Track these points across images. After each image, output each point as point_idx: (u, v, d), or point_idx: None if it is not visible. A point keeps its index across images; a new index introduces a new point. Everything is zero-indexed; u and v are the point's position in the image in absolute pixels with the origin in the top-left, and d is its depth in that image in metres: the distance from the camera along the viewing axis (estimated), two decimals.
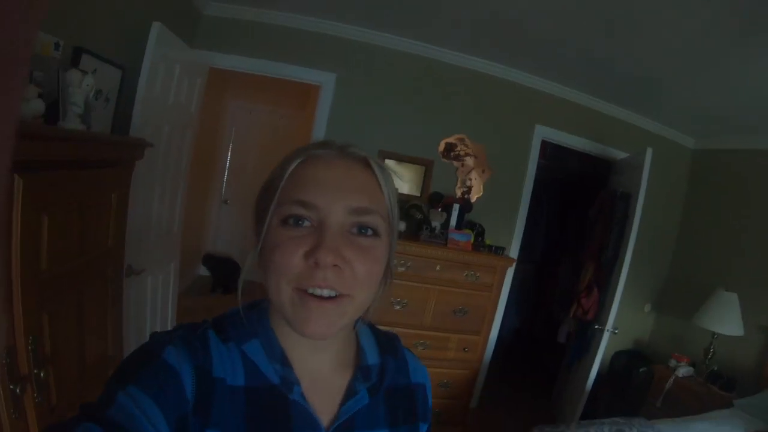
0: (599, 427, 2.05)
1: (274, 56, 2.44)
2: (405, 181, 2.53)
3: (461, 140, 2.52)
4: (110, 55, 1.74)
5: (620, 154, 2.89)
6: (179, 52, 2.13)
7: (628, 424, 2.09)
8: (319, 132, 2.51)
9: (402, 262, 2.21)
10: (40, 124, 1.00)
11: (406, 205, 2.36)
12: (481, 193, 2.54)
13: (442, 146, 2.53)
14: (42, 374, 0.95)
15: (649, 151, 2.43)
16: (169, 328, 0.68)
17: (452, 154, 2.52)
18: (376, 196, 0.47)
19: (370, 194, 0.46)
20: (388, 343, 0.59)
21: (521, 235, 2.65)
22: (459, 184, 2.54)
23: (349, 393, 0.50)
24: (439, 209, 2.33)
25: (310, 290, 0.43)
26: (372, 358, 0.55)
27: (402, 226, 2.25)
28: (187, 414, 0.42)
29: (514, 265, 2.45)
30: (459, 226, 2.36)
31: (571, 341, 2.90)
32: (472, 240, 2.30)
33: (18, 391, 0.88)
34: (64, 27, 1.44)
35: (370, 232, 0.46)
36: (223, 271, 4.13)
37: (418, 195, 2.51)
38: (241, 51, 2.43)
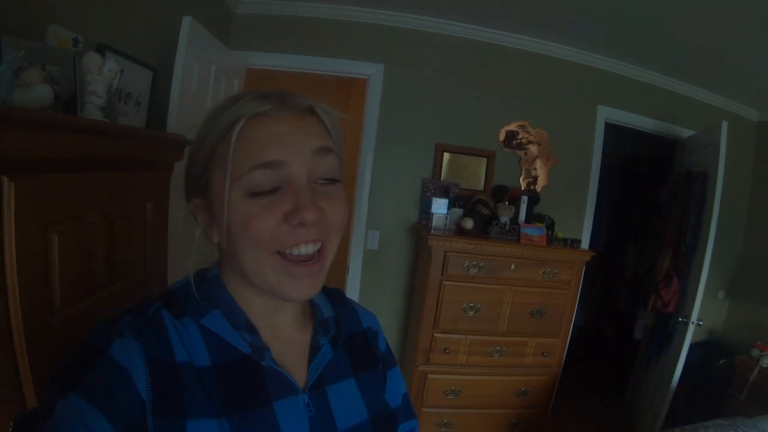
0: None
1: (315, 51, 2.42)
2: (466, 174, 2.49)
3: (522, 127, 2.48)
4: (139, 56, 1.67)
5: (685, 132, 2.80)
6: (213, 51, 2.11)
7: (732, 425, 2.01)
8: (370, 128, 2.45)
9: (474, 263, 2.17)
10: (40, 111, 0.79)
11: (470, 200, 2.28)
12: (546, 183, 2.50)
13: (502, 135, 2.49)
14: None
15: (725, 125, 2.36)
16: None
17: (514, 142, 2.49)
18: (328, 138, 0.49)
19: (322, 136, 0.48)
20: (335, 295, 0.63)
21: (591, 226, 2.57)
22: (523, 175, 2.50)
23: (314, 349, 0.53)
24: (506, 203, 2.26)
25: (293, 251, 0.45)
26: (326, 311, 0.58)
27: (469, 223, 2.19)
28: (143, 417, 0.39)
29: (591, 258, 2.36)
30: (528, 219, 2.32)
31: (647, 336, 2.81)
32: (545, 234, 2.22)
33: None
34: (84, 23, 1.33)
35: (332, 179, 0.48)
36: None
37: (482, 189, 2.47)
38: (279, 48, 2.41)
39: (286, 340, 0.53)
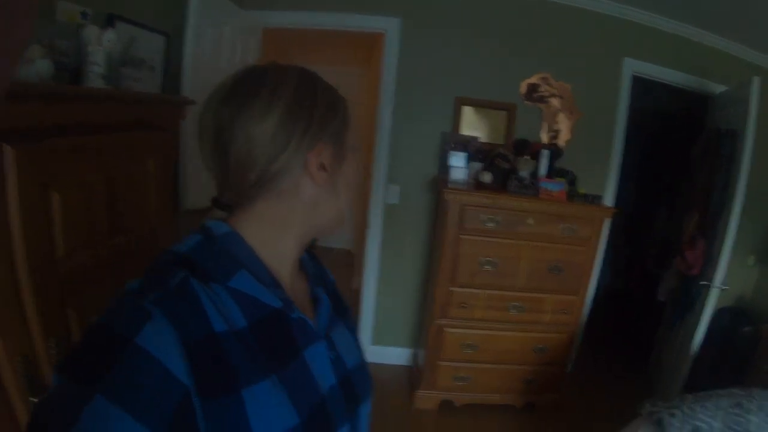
0: (716, 401, 1.98)
1: (330, 6, 2.43)
2: (486, 128, 2.50)
3: (544, 80, 2.47)
4: (150, 22, 1.73)
5: (718, 88, 2.72)
6: (226, 13, 2.14)
7: (747, 396, 2.02)
8: (388, 85, 2.47)
9: (490, 217, 2.19)
10: (32, 83, 0.87)
11: (490, 154, 2.29)
12: (569, 137, 2.49)
13: (524, 88, 2.49)
14: None
15: (756, 81, 2.28)
16: None
17: (535, 95, 2.48)
18: None
19: None
20: (312, 252, 0.69)
21: (616, 183, 2.56)
22: (545, 129, 2.49)
23: (315, 299, 0.58)
24: (527, 157, 2.27)
25: None
26: (310, 266, 0.63)
27: (487, 177, 2.21)
28: (188, 402, 0.38)
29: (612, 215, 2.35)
30: (549, 174, 2.33)
31: (672, 299, 2.80)
32: (565, 189, 2.23)
33: None
34: None
35: None
36: None
37: (501, 143, 2.48)
38: (294, 6, 2.43)
39: (298, 291, 0.57)
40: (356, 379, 0.58)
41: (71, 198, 0.93)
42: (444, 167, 2.41)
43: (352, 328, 0.66)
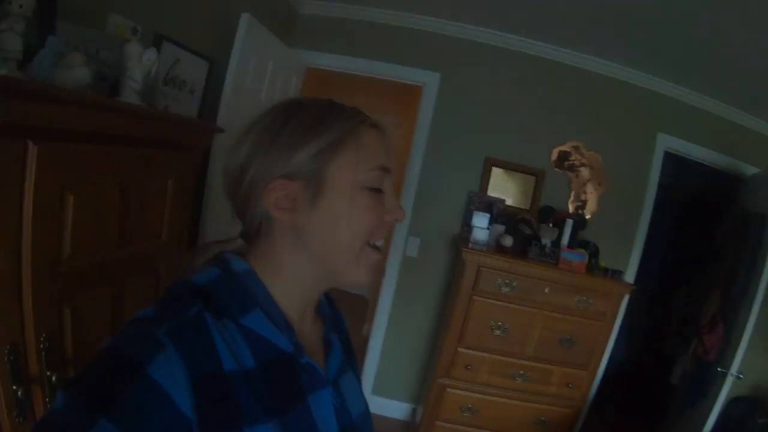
0: None
1: (375, 55, 2.53)
2: (513, 191, 2.51)
3: (576, 148, 2.48)
4: (196, 46, 1.79)
5: (750, 169, 2.69)
6: (271, 48, 2.20)
7: None
8: (422, 135, 2.54)
9: (507, 281, 2.17)
10: (64, 88, 0.91)
11: (514, 218, 2.29)
12: (596, 209, 2.47)
13: (555, 155, 2.51)
14: (54, 378, 0.86)
15: None
16: None
17: (566, 163, 2.48)
18: None
19: None
20: (330, 297, 0.69)
21: (639, 259, 2.52)
22: (572, 198, 2.51)
23: (326, 344, 0.58)
24: (551, 224, 2.27)
25: (376, 243, 0.53)
26: (326, 311, 0.63)
27: (508, 241, 2.20)
28: None
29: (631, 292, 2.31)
30: (571, 244, 2.31)
31: (685, 383, 2.72)
32: (586, 261, 2.21)
33: (20, 394, 0.80)
34: (145, 13, 1.46)
35: None
36: None
37: (527, 208, 2.48)
38: (340, 50, 2.54)
39: (309, 335, 0.56)
40: (360, 429, 0.57)
41: (86, 202, 0.97)
42: (466, 226, 2.42)
43: (359, 377, 0.66)
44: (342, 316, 0.70)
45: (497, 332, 2.22)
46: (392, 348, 2.75)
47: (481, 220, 2.24)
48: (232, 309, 0.47)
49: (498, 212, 2.39)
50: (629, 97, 2.53)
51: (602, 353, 2.38)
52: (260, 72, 2.17)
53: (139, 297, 1.23)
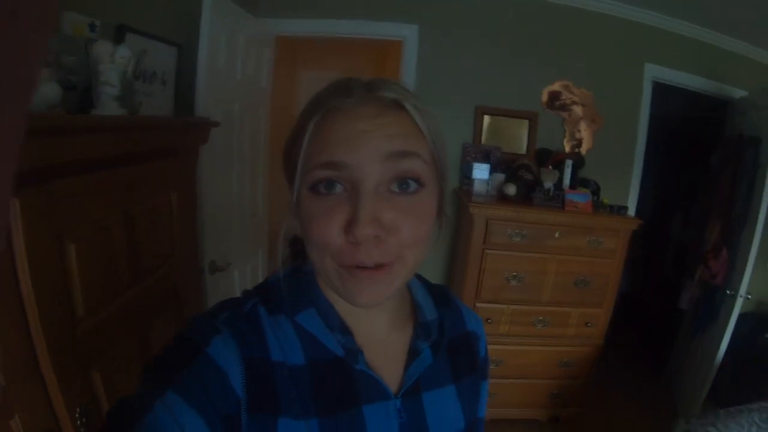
0: (748, 416, 2.01)
1: (346, 14, 2.45)
2: (508, 138, 2.51)
3: (566, 87, 2.51)
4: (162, 33, 1.71)
5: (738, 93, 2.76)
6: (240, 21, 2.13)
7: None
8: None
9: (516, 231, 2.21)
10: (39, 114, 0.76)
11: (513, 165, 2.30)
12: (591, 146, 2.52)
13: (545, 96, 2.52)
14: None
15: None
16: None
17: (557, 103, 2.51)
18: (415, 138, 0.45)
19: (406, 136, 0.44)
20: (441, 295, 0.62)
21: (638, 192, 2.58)
22: (568, 137, 2.53)
23: (412, 354, 0.53)
24: (550, 167, 2.29)
25: (348, 263, 0.44)
26: (430, 313, 0.57)
27: (512, 189, 2.22)
28: (239, 414, 0.42)
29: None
30: (573, 185, 2.36)
31: (694, 308, 2.83)
32: (591, 200, 2.23)
33: None
34: (101, 6, 1.36)
35: (412, 186, 0.44)
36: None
37: (524, 153, 2.51)
38: (308, 14, 2.45)
39: (382, 342, 0.52)
40: None
41: (89, 247, 0.85)
42: (466, 179, 2.43)
43: (472, 391, 0.59)
44: (466, 319, 0.62)
45: (513, 282, 2.26)
46: None
47: (481, 171, 2.26)
48: (287, 306, 0.49)
49: (496, 160, 2.40)
50: (613, 30, 2.54)
51: (615, 289, 2.44)
52: (232, 50, 2.10)
53: (165, 330, 1.14)
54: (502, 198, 2.27)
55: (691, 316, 2.90)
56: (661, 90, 2.79)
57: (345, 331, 0.49)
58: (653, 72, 2.62)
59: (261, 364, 0.44)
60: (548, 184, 2.27)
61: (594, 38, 2.53)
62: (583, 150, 2.52)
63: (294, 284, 0.51)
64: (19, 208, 0.67)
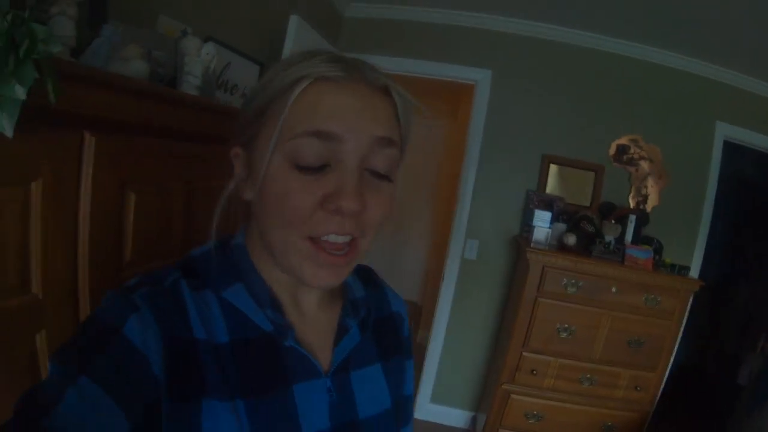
0: None
1: (422, 55, 2.58)
2: (572, 188, 2.55)
3: (634, 142, 2.52)
4: (247, 51, 1.83)
5: None
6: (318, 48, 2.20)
7: None
8: (476, 135, 2.58)
9: (572, 281, 2.20)
10: (126, 77, 0.87)
11: (575, 216, 2.31)
12: (657, 203, 2.52)
13: (613, 149, 2.53)
14: None
15: None
16: None
17: (625, 157, 2.52)
18: (395, 128, 0.47)
19: (390, 124, 0.46)
20: (367, 276, 0.64)
21: (702, 254, 2.52)
22: (633, 193, 2.54)
23: (341, 331, 0.53)
24: (613, 221, 2.29)
25: (324, 237, 0.44)
26: (357, 290, 0.58)
27: (572, 240, 2.23)
28: (158, 399, 0.40)
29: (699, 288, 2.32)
30: (635, 241, 2.34)
31: (753, 383, 2.71)
32: (652, 257, 2.22)
33: None
34: (194, 16, 1.49)
35: (384, 173, 0.46)
36: None
37: (588, 205, 2.53)
38: (386, 51, 2.59)
39: (312, 319, 0.53)
40: (367, 431, 0.53)
41: (149, 201, 0.91)
42: (526, 226, 2.45)
43: (397, 371, 0.60)
44: (390, 299, 0.65)
45: (563, 335, 2.24)
46: (451, 355, 2.78)
47: (542, 219, 2.27)
48: (215, 281, 0.47)
49: (558, 210, 2.42)
50: (685, 86, 2.54)
51: (670, 353, 2.38)
52: None
53: None
54: (561, 248, 2.28)
55: (750, 392, 2.78)
56: (732, 150, 2.75)
57: (275, 306, 0.49)
58: (725, 131, 2.60)
59: (183, 343, 0.43)
60: (609, 237, 2.26)
61: (666, 93, 2.54)
62: (649, 207, 2.51)
63: (221, 258, 0.50)
64: (94, 145, 0.75)
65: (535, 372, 2.27)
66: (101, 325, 0.40)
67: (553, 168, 2.54)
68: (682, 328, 2.54)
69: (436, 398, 2.81)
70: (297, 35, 1.95)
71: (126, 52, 0.93)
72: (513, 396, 2.31)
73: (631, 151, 2.50)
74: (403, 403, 0.61)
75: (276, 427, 0.45)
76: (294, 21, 1.90)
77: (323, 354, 0.51)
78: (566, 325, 2.23)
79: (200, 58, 1.18)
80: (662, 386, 2.50)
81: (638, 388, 2.32)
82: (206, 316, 0.45)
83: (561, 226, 2.33)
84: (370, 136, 0.43)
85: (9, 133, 0.54)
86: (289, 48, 1.95)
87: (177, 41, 1.21)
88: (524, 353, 2.27)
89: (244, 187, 0.49)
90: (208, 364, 0.43)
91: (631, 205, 2.51)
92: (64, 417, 0.34)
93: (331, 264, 0.44)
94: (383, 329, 0.60)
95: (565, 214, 2.41)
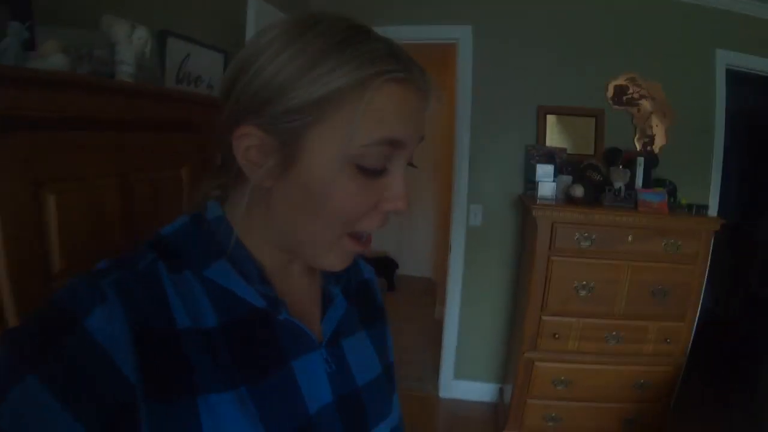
0: None
1: (395, 20, 2.48)
2: (573, 138, 2.45)
3: (632, 80, 2.42)
4: (211, 41, 1.80)
5: None
6: None
7: None
8: (464, 98, 2.50)
9: (585, 235, 2.11)
10: (29, 68, 0.83)
11: (580, 165, 2.21)
12: (665, 142, 2.42)
13: (611, 90, 2.42)
14: None
15: None
16: None
17: (624, 98, 2.42)
18: None
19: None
20: None
21: (719, 190, 2.42)
22: (638, 134, 2.44)
23: (326, 299, 0.53)
24: (620, 166, 2.22)
25: (361, 232, 0.44)
26: None
27: (579, 191, 2.14)
28: (132, 404, 0.34)
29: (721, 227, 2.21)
30: (646, 184, 2.24)
31: None
32: (666, 199, 2.14)
33: None
34: (145, 13, 1.42)
35: (412, 165, 0.47)
36: (376, 272, 4.50)
37: (592, 153, 2.43)
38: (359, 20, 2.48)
39: (298, 290, 0.51)
40: (368, 397, 0.52)
41: (74, 201, 0.85)
42: (530, 183, 2.37)
43: (380, 336, 0.61)
44: (361, 265, 0.64)
45: (582, 293, 2.15)
46: (469, 327, 2.72)
47: (545, 174, 2.20)
48: (193, 260, 0.43)
49: (561, 162, 2.32)
50: (677, 15, 2.42)
51: (698, 300, 2.28)
52: None
53: None
54: (569, 201, 2.18)
55: None
56: (740, 79, 2.62)
57: (264, 280, 0.46)
58: (726, 58, 2.47)
59: (162, 335, 0.38)
60: (619, 184, 2.16)
61: (658, 25, 2.42)
62: (656, 147, 2.40)
63: (198, 235, 0.45)
64: None
65: (557, 336, 2.18)
66: (60, 314, 0.35)
67: (551, 119, 2.44)
68: (706, 272, 2.44)
69: (459, 374, 2.76)
70: (258, 18, 1.89)
71: (43, 49, 0.89)
72: (537, 363, 2.22)
73: (630, 90, 2.40)
74: (390, 369, 0.61)
75: (282, 408, 0.43)
76: (253, 3, 1.85)
77: (313, 324, 0.50)
78: (584, 282, 2.14)
79: (131, 45, 1.13)
80: (692, 335, 2.40)
81: (668, 340, 2.23)
82: (189, 300, 0.41)
83: (566, 179, 2.24)
84: (419, 138, 0.44)
85: None
86: (251, 33, 1.90)
87: (107, 33, 1.15)
88: (543, 317, 2.18)
89: (256, 171, 0.42)
90: (198, 355, 0.39)
91: (638, 147, 2.40)
92: (2, 419, 0.30)
93: (356, 252, 0.45)
94: (361, 295, 0.60)
95: (568, 165, 2.32)
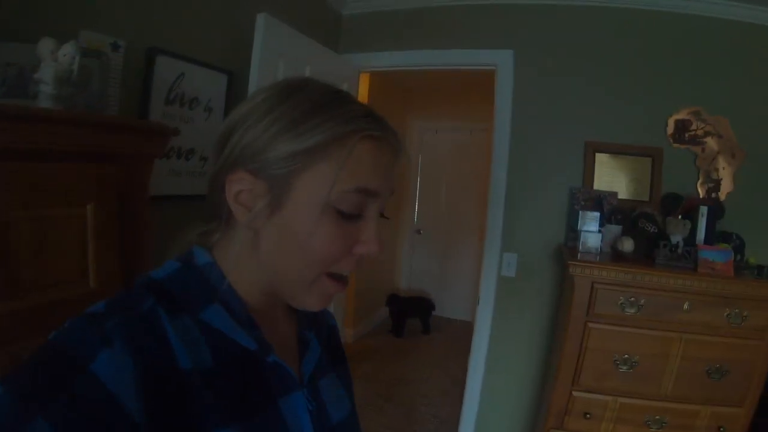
0: None
1: (433, 44, 2.48)
2: (625, 180, 2.22)
3: (696, 114, 2.14)
4: (215, 61, 1.80)
5: None
6: (308, 50, 2.13)
7: None
8: (503, 128, 2.37)
9: (631, 300, 1.89)
10: None
11: (632, 214, 2.05)
12: (732, 189, 2.13)
13: (671, 126, 2.16)
14: None
15: None
16: None
17: (687, 135, 2.14)
18: None
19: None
20: None
21: None
22: (701, 179, 2.15)
23: (302, 343, 0.58)
24: (679, 216, 1.97)
25: (338, 272, 0.50)
26: None
27: (628, 245, 1.96)
28: None
29: None
30: (709, 239, 1.96)
31: None
32: (732, 259, 1.87)
33: None
34: (132, 28, 1.44)
35: (384, 216, 0.55)
36: (410, 312, 4.41)
37: (647, 199, 2.18)
38: (392, 46, 2.54)
39: (281, 333, 0.56)
40: None
41: None
42: (572, 232, 2.16)
43: (346, 380, 0.67)
44: (327, 312, 0.70)
45: (623, 368, 1.89)
46: (493, 390, 2.51)
47: (590, 222, 1.98)
48: (190, 304, 0.47)
49: (610, 209, 2.11)
50: (749, 41, 2.15)
51: (762, 383, 1.98)
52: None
53: None
54: (616, 256, 1.94)
55: None
56: None
57: (253, 324, 0.50)
58: None
59: (166, 377, 0.41)
60: (676, 238, 1.91)
61: (727, 52, 2.16)
62: (722, 194, 2.12)
63: (191, 280, 0.49)
64: None
65: (589, 416, 1.92)
66: (66, 357, 0.37)
67: (600, 157, 2.23)
68: None
69: None
70: (267, 35, 1.81)
71: None
72: None
73: (693, 126, 2.13)
74: (354, 407, 0.66)
75: None
76: (261, 19, 1.78)
77: (293, 365, 0.55)
78: (626, 356, 1.87)
79: (56, 62, 1.08)
80: (751, 423, 2.09)
81: (722, 429, 1.94)
82: (189, 342, 0.45)
83: (615, 229, 2.03)
84: (391, 190, 0.52)
85: None
86: (258, 50, 1.82)
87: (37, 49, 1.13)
88: (575, 393, 1.91)
89: (246, 214, 0.49)
90: (199, 394, 0.42)
91: (701, 194, 2.13)
92: None
93: (336, 293, 0.52)
94: (330, 340, 0.67)
95: (618, 213, 2.10)
